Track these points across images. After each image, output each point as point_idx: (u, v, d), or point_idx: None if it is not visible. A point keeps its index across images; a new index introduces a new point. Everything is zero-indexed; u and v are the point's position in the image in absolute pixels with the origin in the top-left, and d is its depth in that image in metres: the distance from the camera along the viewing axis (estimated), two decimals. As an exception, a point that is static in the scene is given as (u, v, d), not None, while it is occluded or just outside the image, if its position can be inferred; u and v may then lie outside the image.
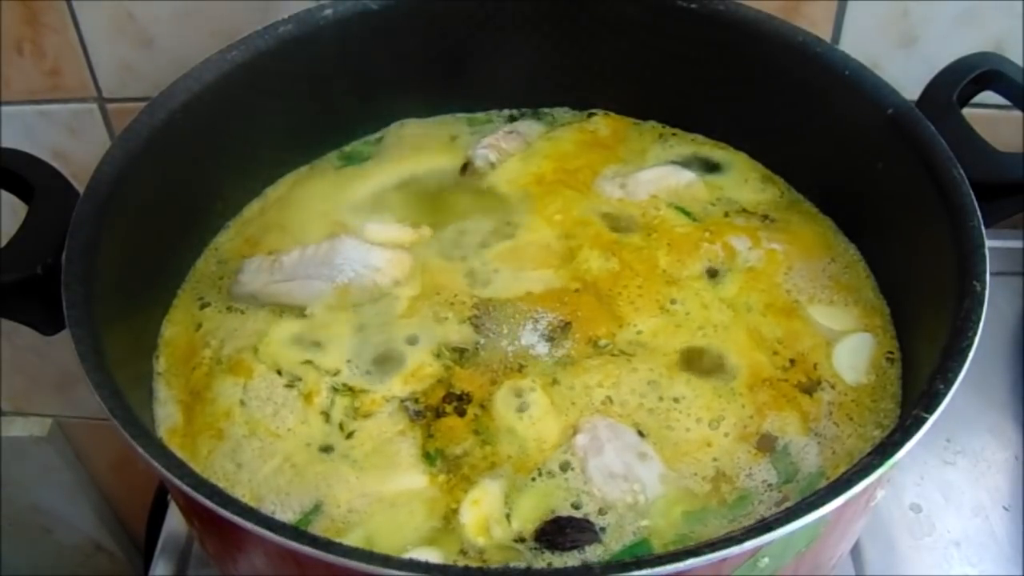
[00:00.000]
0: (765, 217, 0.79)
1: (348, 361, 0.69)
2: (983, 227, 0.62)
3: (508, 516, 0.61)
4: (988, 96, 0.72)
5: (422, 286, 0.73)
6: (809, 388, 0.67)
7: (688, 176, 0.81)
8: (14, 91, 1.00)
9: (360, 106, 0.85)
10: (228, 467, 0.64)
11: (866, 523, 0.74)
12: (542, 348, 0.69)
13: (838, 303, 0.73)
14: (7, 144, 0.70)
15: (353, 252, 0.74)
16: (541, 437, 0.64)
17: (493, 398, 0.66)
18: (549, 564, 0.58)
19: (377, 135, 0.87)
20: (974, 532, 0.78)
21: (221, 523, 0.50)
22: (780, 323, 0.71)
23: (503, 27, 0.82)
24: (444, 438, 0.65)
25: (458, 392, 0.67)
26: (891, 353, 0.70)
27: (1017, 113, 0.69)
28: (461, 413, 0.66)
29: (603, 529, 0.60)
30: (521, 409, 0.65)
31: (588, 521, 0.60)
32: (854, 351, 0.70)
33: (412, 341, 0.70)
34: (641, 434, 0.64)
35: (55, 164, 0.68)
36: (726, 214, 0.79)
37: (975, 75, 0.71)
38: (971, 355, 0.56)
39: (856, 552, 0.77)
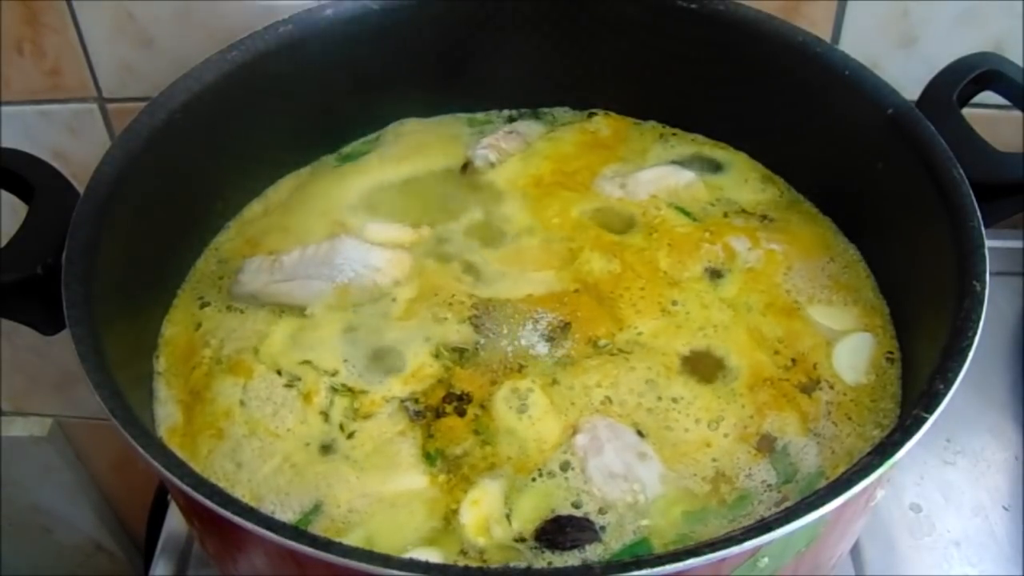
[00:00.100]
0: (764, 217, 0.79)
1: (347, 361, 0.69)
2: (983, 227, 0.62)
3: (508, 516, 0.61)
4: (988, 96, 0.72)
5: (422, 286, 0.73)
6: (808, 388, 0.67)
7: (688, 176, 0.81)
8: (14, 91, 1.00)
9: (360, 106, 0.85)
10: (228, 467, 0.64)
11: (866, 523, 0.74)
12: (542, 348, 0.69)
13: (838, 303, 0.73)
14: (7, 144, 0.70)
15: (353, 252, 0.74)
16: (541, 437, 0.64)
17: (493, 398, 0.66)
18: (549, 563, 0.58)
19: (377, 135, 0.87)
20: (974, 532, 0.78)
21: (221, 523, 0.50)
22: (780, 323, 0.71)
23: (503, 27, 0.82)
24: (444, 438, 0.65)
25: (458, 392, 0.67)
26: (891, 353, 0.70)
27: (1017, 113, 0.69)
28: (461, 413, 0.66)
29: (603, 528, 0.60)
30: (521, 409, 0.66)
31: (588, 520, 0.60)
32: (854, 351, 0.70)
33: (412, 341, 0.70)
34: (641, 434, 0.65)
35: (55, 164, 0.68)
36: (726, 214, 0.79)
37: (975, 75, 0.71)
38: (971, 355, 0.56)
39: (856, 552, 0.77)
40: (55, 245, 0.62)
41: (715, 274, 0.74)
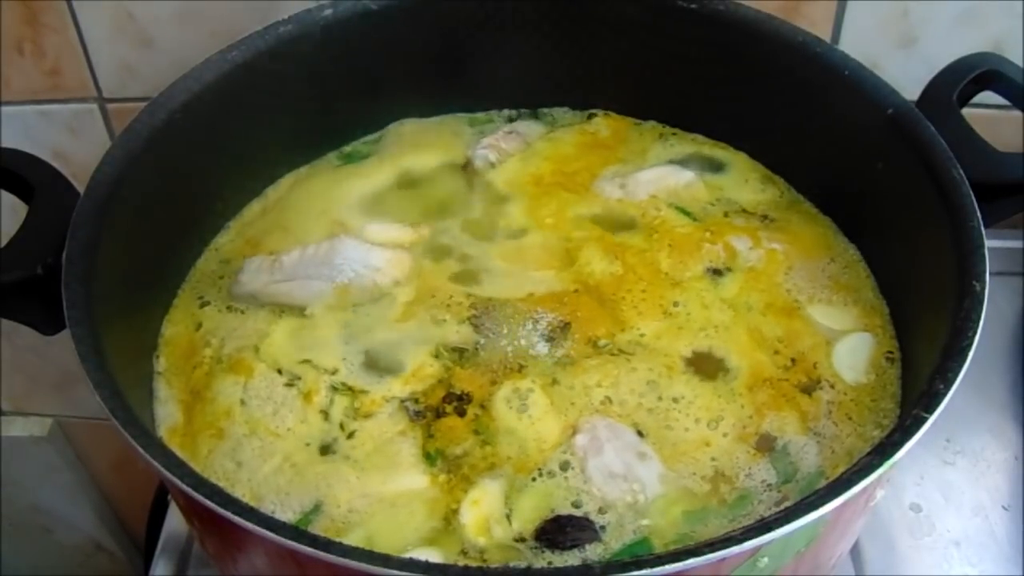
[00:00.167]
0: (765, 217, 0.79)
1: (347, 361, 0.69)
2: (983, 227, 0.62)
3: (508, 516, 0.61)
4: (988, 96, 0.72)
5: (422, 286, 0.73)
6: (808, 388, 0.67)
7: (688, 176, 0.81)
8: (14, 91, 1.01)
9: (360, 106, 0.85)
10: (228, 466, 0.64)
11: (866, 523, 0.74)
12: (542, 348, 0.69)
13: (838, 303, 0.73)
14: (7, 144, 0.70)
15: (353, 252, 0.74)
16: (541, 437, 0.64)
17: (493, 398, 0.66)
18: (549, 563, 0.58)
19: (377, 135, 0.87)
20: (974, 532, 0.78)
21: (221, 523, 0.50)
22: (780, 323, 0.71)
23: (503, 27, 0.82)
24: (444, 438, 0.65)
25: (458, 392, 0.67)
26: (891, 353, 0.70)
27: (1017, 113, 0.69)
28: (461, 413, 0.66)
29: (603, 528, 0.60)
30: (521, 409, 0.66)
31: (588, 520, 0.60)
32: (854, 351, 0.70)
33: (412, 341, 0.70)
34: (640, 434, 0.65)
35: (55, 164, 0.68)
36: (726, 214, 0.79)
37: (975, 75, 0.71)
38: (971, 355, 0.56)
39: (856, 552, 0.77)
40: (55, 245, 0.62)
41: (716, 273, 0.74)
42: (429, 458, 0.64)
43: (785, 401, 0.66)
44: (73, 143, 1.04)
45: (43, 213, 0.65)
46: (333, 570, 0.48)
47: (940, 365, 0.56)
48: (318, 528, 0.61)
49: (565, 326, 0.70)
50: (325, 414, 0.66)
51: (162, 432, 0.67)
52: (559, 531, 0.59)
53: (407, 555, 0.58)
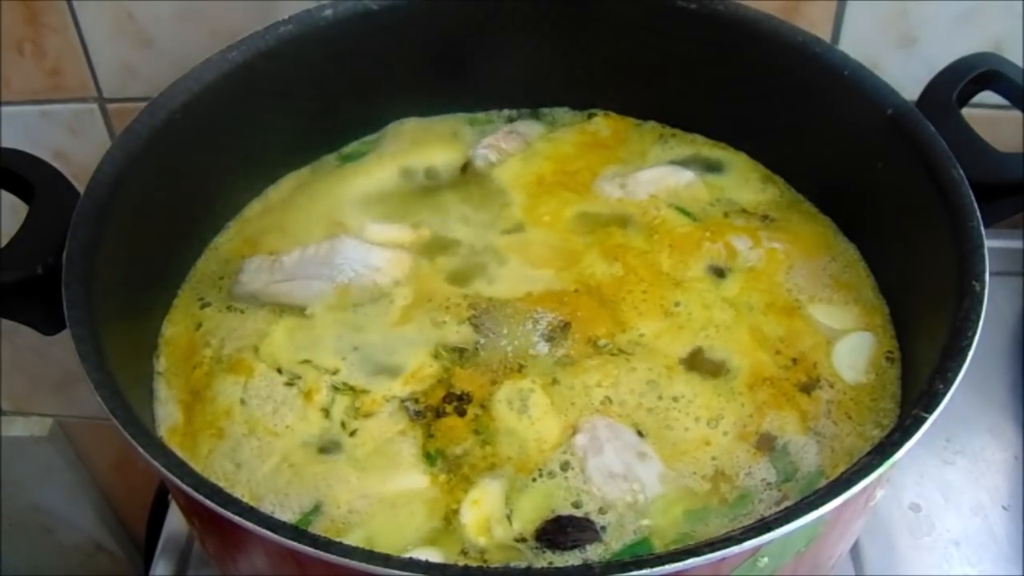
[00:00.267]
0: (765, 217, 0.79)
1: (347, 360, 0.69)
2: (983, 227, 0.62)
3: (509, 516, 0.61)
4: (988, 96, 0.72)
5: (421, 286, 0.73)
6: (808, 387, 0.68)
7: (688, 176, 0.81)
8: (15, 91, 1.01)
9: (360, 106, 0.85)
10: (228, 466, 0.64)
11: (865, 523, 0.74)
12: (542, 348, 0.69)
13: (838, 302, 0.73)
14: (7, 144, 0.70)
15: (353, 252, 0.74)
16: (541, 437, 0.64)
17: (493, 398, 0.66)
18: (550, 563, 0.58)
19: (377, 135, 0.87)
20: (973, 532, 0.78)
21: (221, 523, 0.50)
22: (781, 322, 0.71)
23: (503, 27, 0.82)
24: (444, 438, 0.65)
25: (458, 392, 0.67)
26: (891, 352, 0.70)
27: (1017, 113, 0.69)
28: (461, 413, 0.66)
29: (604, 528, 0.60)
30: (521, 409, 0.66)
31: (589, 520, 0.60)
32: (854, 350, 0.70)
33: (412, 341, 0.70)
34: (640, 434, 0.65)
35: (56, 164, 0.68)
36: (726, 214, 0.79)
37: (975, 75, 0.71)
38: (970, 355, 0.56)
39: (856, 552, 0.77)
40: (55, 245, 0.62)
41: (717, 273, 0.74)
42: (429, 458, 0.64)
43: (785, 400, 0.66)
44: (73, 143, 1.04)
45: (43, 213, 0.65)
46: (333, 570, 0.48)
47: (940, 365, 0.56)
48: (318, 528, 0.61)
49: (565, 326, 0.70)
50: (326, 412, 0.66)
51: (162, 432, 0.67)
52: (560, 531, 0.59)
53: (407, 555, 0.58)
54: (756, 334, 0.70)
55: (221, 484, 0.61)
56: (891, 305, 0.72)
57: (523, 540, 0.60)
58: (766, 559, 0.52)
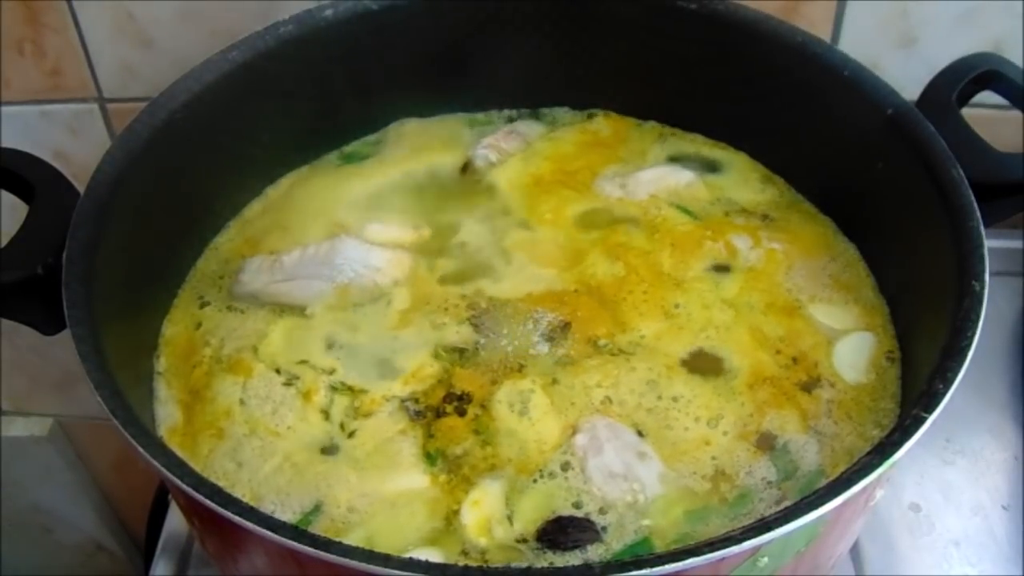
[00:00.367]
0: (765, 217, 0.79)
1: (347, 360, 0.69)
2: (983, 227, 0.62)
3: (510, 517, 0.61)
4: (988, 96, 0.72)
5: (422, 286, 0.73)
6: (808, 386, 0.68)
7: (688, 176, 0.81)
8: (15, 91, 1.01)
9: (360, 106, 0.85)
10: (228, 466, 0.64)
11: (865, 523, 0.74)
12: (542, 348, 0.69)
13: (838, 302, 0.73)
14: (7, 144, 0.70)
15: (353, 252, 0.74)
16: (541, 438, 0.64)
17: (493, 398, 0.66)
18: (551, 564, 0.58)
19: (377, 135, 0.87)
20: (973, 532, 0.78)
21: (222, 523, 0.50)
22: (781, 322, 0.71)
23: (503, 27, 0.82)
24: (445, 438, 0.65)
25: (458, 392, 0.67)
26: (891, 352, 0.70)
27: (1017, 113, 0.69)
28: (461, 413, 0.66)
29: (604, 528, 0.60)
30: (522, 410, 0.65)
31: (589, 520, 0.60)
32: (854, 350, 0.70)
33: (412, 341, 0.70)
34: (640, 433, 0.65)
35: (56, 164, 0.68)
36: (726, 214, 0.79)
37: (975, 75, 0.71)
38: (970, 355, 0.56)
39: (855, 552, 0.77)
40: (55, 245, 0.62)
41: (719, 271, 0.74)
42: (429, 458, 0.64)
43: (786, 399, 0.66)
44: (73, 143, 1.04)
45: (43, 213, 0.65)
46: (333, 570, 0.48)
47: (940, 365, 0.56)
48: (318, 528, 0.61)
49: (565, 326, 0.70)
50: (325, 413, 0.66)
51: (162, 432, 0.67)
52: (560, 532, 0.59)
53: (407, 555, 0.58)
54: (756, 334, 0.70)
55: (222, 484, 0.61)
56: (891, 305, 0.72)
57: (524, 541, 0.60)
58: (766, 559, 0.52)
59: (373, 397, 0.67)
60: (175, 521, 0.84)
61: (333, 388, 0.67)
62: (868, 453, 0.52)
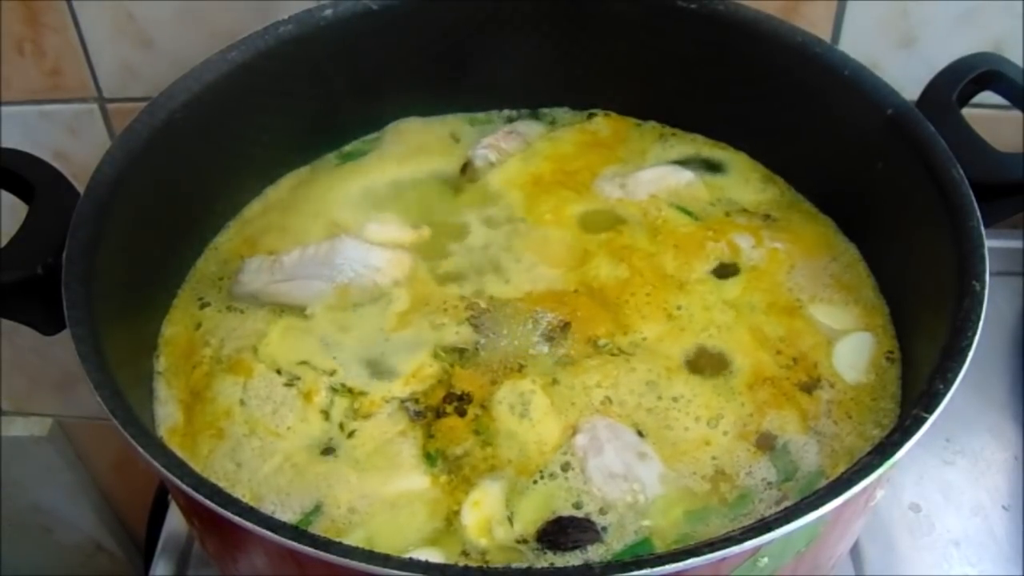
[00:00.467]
0: (766, 216, 0.79)
1: (346, 360, 0.69)
2: (983, 227, 0.62)
3: (510, 517, 0.61)
4: (988, 96, 0.72)
5: (421, 286, 0.73)
6: (809, 387, 0.68)
7: (688, 176, 0.81)
8: (14, 91, 1.01)
9: (360, 106, 0.85)
10: (228, 466, 0.64)
11: (865, 523, 0.74)
12: (542, 348, 0.69)
13: (839, 302, 0.73)
14: (7, 144, 0.70)
15: (353, 252, 0.74)
16: (541, 439, 0.64)
17: (493, 398, 0.66)
18: (551, 564, 0.58)
19: (377, 135, 0.87)
20: (973, 532, 0.78)
21: (221, 523, 0.50)
22: (782, 322, 0.71)
23: (503, 27, 0.82)
24: (445, 438, 0.65)
25: (458, 392, 0.67)
26: (891, 352, 0.70)
27: (1017, 113, 0.69)
28: (462, 413, 0.66)
29: (605, 529, 0.60)
30: (522, 411, 0.65)
31: (590, 521, 0.60)
32: (854, 350, 0.70)
33: (412, 341, 0.70)
34: (640, 434, 0.65)
35: (56, 164, 0.68)
36: (727, 214, 0.79)
37: (975, 75, 0.71)
38: (971, 355, 0.56)
39: (855, 552, 0.77)
40: (55, 245, 0.62)
41: (723, 271, 0.74)
42: (429, 458, 0.64)
43: (786, 399, 0.66)
44: (73, 143, 1.04)
45: (43, 213, 0.65)
46: (333, 570, 0.48)
47: (940, 365, 0.56)
48: (318, 528, 0.61)
49: (565, 326, 0.70)
50: (325, 414, 0.66)
51: (162, 432, 0.67)
52: (561, 532, 0.59)
53: (407, 555, 0.58)
54: (757, 334, 0.70)
55: (222, 484, 0.61)
56: (891, 305, 0.72)
57: (524, 541, 0.60)
58: (766, 559, 0.52)
59: (373, 398, 0.67)
60: (175, 521, 0.84)
61: (333, 389, 0.67)
62: (868, 453, 0.52)
